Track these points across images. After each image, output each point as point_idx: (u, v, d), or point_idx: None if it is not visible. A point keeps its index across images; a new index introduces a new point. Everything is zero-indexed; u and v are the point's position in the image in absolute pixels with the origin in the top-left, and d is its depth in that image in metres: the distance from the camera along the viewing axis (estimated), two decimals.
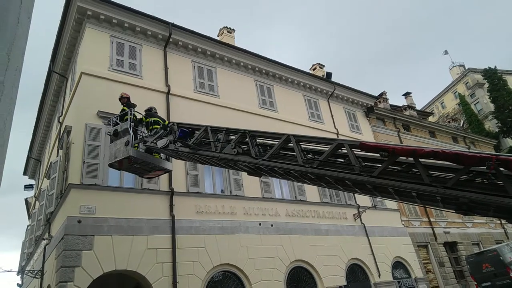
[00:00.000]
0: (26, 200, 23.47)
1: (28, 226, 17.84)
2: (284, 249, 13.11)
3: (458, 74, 59.73)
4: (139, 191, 10.94)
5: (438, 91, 62.76)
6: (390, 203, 19.13)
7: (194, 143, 7.38)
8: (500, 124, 43.75)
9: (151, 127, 8.94)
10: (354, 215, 16.55)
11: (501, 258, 16.84)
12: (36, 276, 12.06)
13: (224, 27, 19.87)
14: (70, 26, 12.81)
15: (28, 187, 22.70)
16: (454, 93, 57.89)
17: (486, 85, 48.02)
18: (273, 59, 17.38)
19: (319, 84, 19.41)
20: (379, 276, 15.58)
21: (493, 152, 4.10)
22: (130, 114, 8.69)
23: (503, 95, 43.75)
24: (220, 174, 13.30)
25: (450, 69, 62.82)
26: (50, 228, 11.68)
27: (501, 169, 3.87)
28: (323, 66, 23.98)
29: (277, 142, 6.09)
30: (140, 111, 9.46)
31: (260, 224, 13.02)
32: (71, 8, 12.36)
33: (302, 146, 5.88)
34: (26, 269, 15.08)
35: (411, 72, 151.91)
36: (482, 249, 20.87)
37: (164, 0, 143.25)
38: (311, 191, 15.56)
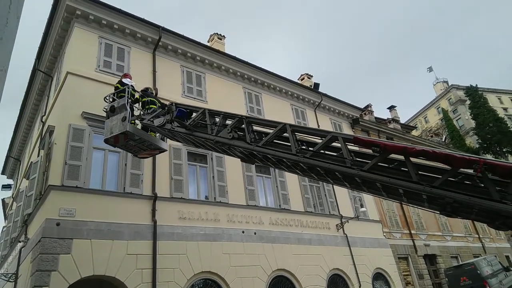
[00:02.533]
0: (3, 200, 22.73)
1: (3, 227, 17.25)
2: (267, 258, 13.06)
3: (441, 90, 61.38)
4: (121, 195, 10.75)
5: (422, 106, 64.20)
6: (373, 214, 19.35)
7: (191, 124, 7.35)
8: (480, 141, 44.99)
9: (147, 106, 8.84)
10: (337, 225, 16.65)
11: (478, 271, 17.21)
12: (10, 280, 11.63)
13: (214, 33, 19.92)
14: (58, 25, 12.62)
15: (5, 187, 22.02)
16: (437, 108, 59.37)
17: (468, 102, 49.45)
18: (262, 67, 17.49)
19: (307, 94, 19.60)
20: (360, 287, 15.64)
21: (481, 156, 4.23)
22: (128, 90, 8.53)
23: (483, 113, 45.12)
24: (205, 180, 13.21)
25: (434, 85, 64.50)
26: (27, 230, 11.33)
27: (487, 173, 4.01)
28: (311, 76, 24.26)
29: (272, 131, 6.16)
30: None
31: (243, 232, 12.95)
32: (59, 6, 12.18)
33: (297, 136, 5.98)
34: None
35: (397, 86, 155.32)
36: (461, 263, 21.28)
37: (155, 6, 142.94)
38: (296, 200, 15.61)
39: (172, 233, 11.16)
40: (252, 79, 17.18)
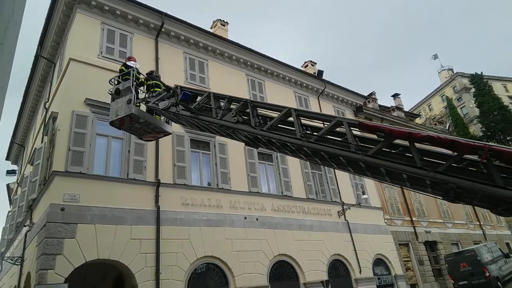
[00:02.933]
0: (7, 185, 23.01)
1: (9, 212, 17.52)
2: (268, 243, 13.23)
3: (446, 77, 60.74)
4: (124, 181, 10.86)
5: (426, 94, 63.65)
6: (374, 202, 19.46)
7: (196, 108, 7.35)
8: (484, 129, 44.73)
9: (152, 90, 8.87)
10: (338, 212, 16.78)
11: (478, 258, 17.37)
12: (16, 263, 11.89)
13: (217, 20, 19.72)
14: (60, 11, 12.54)
15: (10, 172, 22.24)
16: (442, 96, 58.88)
17: (473, 90, 48.97)
18: (265, 54, 17.36)
19: (310, 82, 19.49)
20: (360, 272, 15.87)
21: (487, 143, 4.25)
22: (133, 73, 8.55)
23: (488, 101, 44.73)
24: (207, 166, 13.30)
25: (439, 73, 63.79)
26: (32, 215, 11.52)
27: (492, 159, 4.03)
28: (315, 63, 24.06)
29: (277, 115, 6.16)
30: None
31: (245, 218, 13.09)
32: None
33: (301, 121, 5.97)
34: (6, 256, 14.84)
35: (401, 74, 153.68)
36: (461, 249, 21.46)
37: None
38: (298, 187, 15.71)
39: (175, 218, 11.31)
40: (255, 66, 17.07)
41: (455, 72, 59.88)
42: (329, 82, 20.35)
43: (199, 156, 13.25)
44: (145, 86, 9.13)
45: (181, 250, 10.94)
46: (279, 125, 6.23)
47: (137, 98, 8.43)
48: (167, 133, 9.29)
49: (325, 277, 14.33)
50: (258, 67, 17.17)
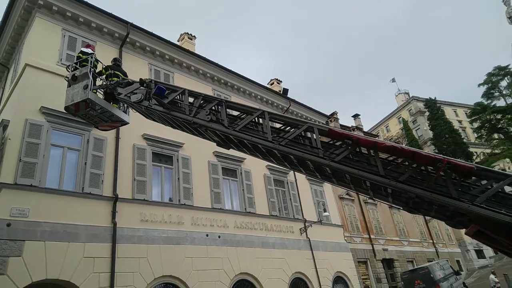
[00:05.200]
0: None
1: None
2: (230, 262, 12.98)
3: (403, 101, 64.24)
4: (79, 195, 10.27)
5: (384, 115, 66.86)
6: (335, 219, 19.83)
7: (169, 103, 7.17)
8: (437, 150, 47.51)
9: (110, 79, 8.72)
10: (300, 229, 16.89)
11: (432, 275, 18.12)
12: None
13: (185, 33, 19.66)
14: (17, 14, 11.92)
15: None
16: (399, 118, 62.05)
17: (427, 113, 52.13)
18: (232, 69, 17.47)
19: (276, 99, 19.82)
20: None
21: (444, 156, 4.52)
22: (91, 60, 8.43)
23: (440, 124, 47.75)
24: (169, 181, 12.94)
25: (396, 96, 67.42)
26: None
27: (449, 171, 4.28)
28: (281, 81, 24.54)
29: (250, 116, 6.22)
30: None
31: (207, 235, 12.79)
32: None
33: (273, 125, 6.07)
34: None
35: (361, 96, 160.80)
36: (416, 267, 22.29)
37: (126, 4, 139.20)
38: (261, 204, 15.68)
39: (132, 235, 10.81)
40: (222, 81, 17.11)
41: (411, 96, 63.61)
42: (294, 101, 20.80)
43: (161, 171, 12.88)
44: (104, 75, 9.01)
45: (138, 270, 10.43)
46: (250, 127, 6.27)
47: (94, 84, 8.36)
48: (124, 123, 9.18)
49: None
50: (224, 82, 17.21)
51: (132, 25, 13.69)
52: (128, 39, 13.62)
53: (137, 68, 13.73)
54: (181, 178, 13.09)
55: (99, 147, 11.25)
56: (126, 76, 8.98)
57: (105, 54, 12.82)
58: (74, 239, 9.55)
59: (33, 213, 9.12)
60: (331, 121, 26.34)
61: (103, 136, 11.46)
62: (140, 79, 8.33)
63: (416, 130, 57.49)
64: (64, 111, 8.99)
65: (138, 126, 11.92)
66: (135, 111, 8.84)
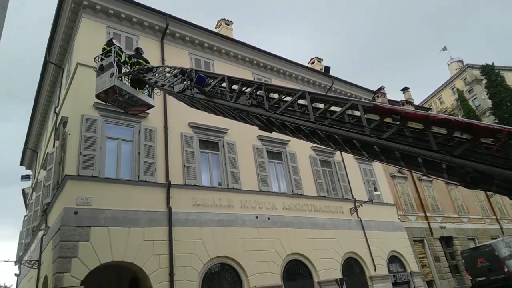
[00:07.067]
0: (23, 190, 23.39)
1: (25, 216, 17.80)
2: (281, 242, 13.15)
3: (456, 70, 59.79)
4: (135, 183, 10.90)
5: (436, 87, 62.70)
6: (387, 198, 19.22)
7: (210, 91, 7.34)
8: (497, 121, 43.78)
9: (134, 67, 9.39)
10: (350, 209, 16.60)
11: (496, 253, 16.97)
12: (34, 267, 12.06)
13: (222, 19, 19.68)
14: (66, 16, 12.67)
15: (25, 177, 22.61)
16: (453, 88, 58.00)
17: (484, 81, 48.07)
18: (271, 52, 17.27)
19: (317, 78, 19.35)
20: (375, 269, 15.67)
21: (505, 126, 4.13)
22: (114, 50, 9.12)
23: (500, 92, 43.86)
24: (217, 167, 13.27)
25: (448, 65, 62.80)
26: (47, 219, 11.65)
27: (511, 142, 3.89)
28: (322, 60, 23.88)
29: (290, 98, 6.12)
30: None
31: (257, 217, 13.03)
32: None
33: (316, 105, 5.92)
34: (24, 259, 15.06)
35: (410, 68, 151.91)
36: (478, 244, 21.05)
37: None
38: (308, 185, 15.59)
39: (186, 219, 11.31)
40: (261, 64, 17.01)
41: (465, 63, 58.91)
42: (336, 78, 20.17)
43: (209, 157, 13.24)
44: (129, 64, 9.60)
45: (194, 251, 10.94)
46: (292, 108, 6.15)
47: (120, 72, 8.95)
48: (150, 106, 9.78)
49: (339, 275, 14.20)
50: (264, 65, 17.10)
51: (170, 16, 13.98)
52: (168, 31, 13.94)
53: (178, 59, 14.07)
54: (228, 163, 13.37)
55: (150, 137, 11.78)
56: (148, 63, 9.60)
57: (148, 47, 13.25)
58: (134, 224, 10.21)
59: (95, 201, 9.86)
60: (377, 96, 25.22)
61: (153, 126, 11.99)
62: (181, 68, 8.53)
63: (472, 100, 53.40)
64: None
65: (183, 115, 12.31)
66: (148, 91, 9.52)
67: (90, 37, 12.03)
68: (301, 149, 15.83)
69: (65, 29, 12.98)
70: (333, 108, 5.86)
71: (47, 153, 12.64)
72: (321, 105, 6.03)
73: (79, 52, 11.79)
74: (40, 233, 12.07)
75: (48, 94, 16.44)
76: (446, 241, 22.16)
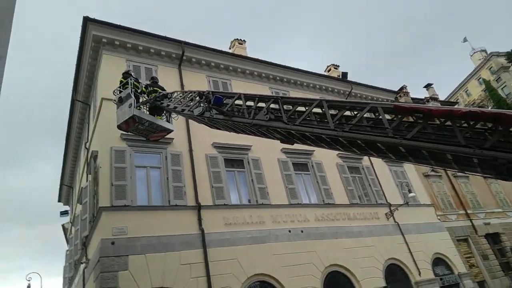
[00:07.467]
0: (63, 226, 24.28)
1: (67, 251, 18.40)
2: (318, 254, 12.87)
3: (480, 59, 57.72)
4: (167, 208, 11.08)
5: (460, 79, 60.61)
6: (423, 198, 18.53)
7: (228, 110, 7.46)
8: None
9: (152, 95, 9.75)
10: (386, 214, 16.09)
11: None
12: None
13: (235, 39, 20.11)
14: (87, 55, 13.33)
15: (63, 213, 23.51)
16: (478, 79, 55.95)
17: None
18: (285, 65, 17.39)
19: (336, 85, 19.22)
20: (420, 274, 14.99)
21: None
22: (130, 82, 9.50)
23: None
24: (244, 184, 13.29)
25: (471, 56, 60.77)
26: (87, 252, 11.99)
27: None
28: (338, 66, 23.77)
29: (307, 108, 6.12)
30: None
31: (289, 231, 12.86)
32: (87, 37, 12.89)
33: (334, 112, 5.88)
34: None
35: (432, 64, 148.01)
36: None
37: (173, 23, 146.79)
38: (339, 193, 15.30)
39: (220, 239, 11.32)
40: (278, 78, 17.13)
41: (489, 52, 56.81)
42: (355, 83, 19.96)
43: (235, 175, 13.30)
44: (146, 93, 9.99)
45: (230, 271, 10.88)
46: (309, 118, 6.14)
47: (137, 101, 9.32)
48: (169, 131, 10.10)
49: (382, 283, 13.68)
50: (280, 78, 17.20)
51: (185, 43, 14.43)
52: (184, 57, 14.37)
53: (197, 83, 14.43)
54: (255, 179, 13.37)
55: (176, 161, 12.01)
56: (164, 90, 9.96)
57: (167, 75, 13.75)
58: (169, 248, 10.32)
59: (130, 230, 10.06)
60: (400, 96, 24.68)
61: (178, 151, 12.23)
62: (199, 91, 8.76)
63: (501, 89, 51.13)
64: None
65: (206, 136, 12.50)
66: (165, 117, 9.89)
67: (112, 72, 12.53)
68: (327, 157, 15.63)
69: (88, 67, 13.65)
70: (348, 113, 5.81)
71: (81, 187, 13.13)
72: (339, 112, 5.99)
73: (103, 87, 12.32)
74: (82, 266, 12.41)
75: (78, 130, 17.19)
76: (493, 238, 20.96)
